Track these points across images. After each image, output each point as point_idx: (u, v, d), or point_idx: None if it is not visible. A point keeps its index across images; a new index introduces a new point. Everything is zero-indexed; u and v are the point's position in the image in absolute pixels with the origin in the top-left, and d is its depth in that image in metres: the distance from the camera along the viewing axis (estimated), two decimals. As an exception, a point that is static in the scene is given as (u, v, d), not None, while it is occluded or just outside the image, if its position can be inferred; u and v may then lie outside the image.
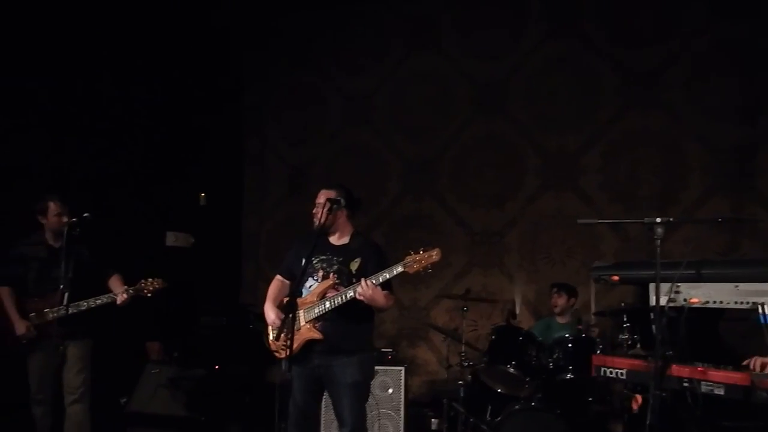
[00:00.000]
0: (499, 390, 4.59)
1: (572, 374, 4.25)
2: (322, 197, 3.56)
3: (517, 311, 5.77)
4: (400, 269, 3.30)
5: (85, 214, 3.96)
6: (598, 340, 4.26)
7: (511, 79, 6.14)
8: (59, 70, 5.23)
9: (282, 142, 7.01)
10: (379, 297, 3.32)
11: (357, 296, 3.30)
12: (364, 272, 3.42)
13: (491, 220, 6.08)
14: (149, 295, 4.19)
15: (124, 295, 4.15)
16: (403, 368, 4.98)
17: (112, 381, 5.12)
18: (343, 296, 3.38)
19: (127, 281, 4.39)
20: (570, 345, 4.34)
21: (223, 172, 6.86)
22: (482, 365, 4.63)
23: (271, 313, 3.58)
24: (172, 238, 6.44)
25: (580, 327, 4.57)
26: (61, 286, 3.81)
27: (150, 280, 4.20)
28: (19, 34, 4.98)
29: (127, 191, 5.82)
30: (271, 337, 3.63)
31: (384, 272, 3.32)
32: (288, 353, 3.16)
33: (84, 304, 4.10)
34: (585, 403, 4.34)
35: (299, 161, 6.89)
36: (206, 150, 6.70)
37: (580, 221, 3.26)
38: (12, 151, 4.89)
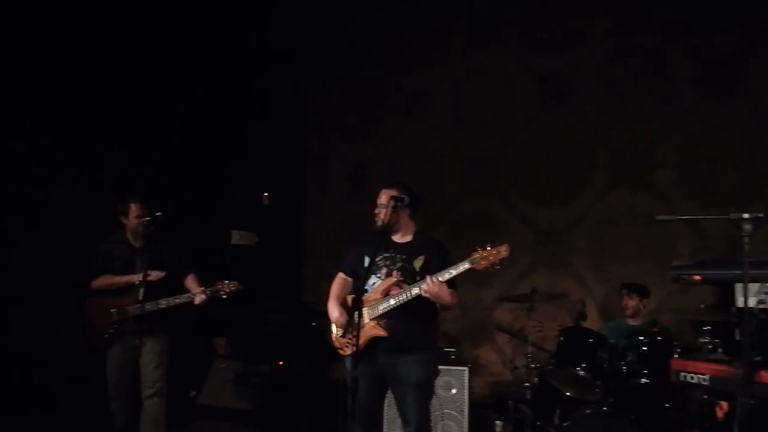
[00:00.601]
0: (567, 393, 4.45)
1: (647, 378, 4.06)
2: (383, 196, 3.54)
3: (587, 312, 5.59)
4: (466, 266, 3.25)
5: (158, 213, 4.09)
6: (675, 343, 4.04)
7: (576, 71, 5.95)
8: (128, 78, 5.38)
9: (343, 141, 7.04)
10: (445, 294, 3.27)
11: (422, 293, 3.27)
12: (428, 270, 3.39)
13: (557, 218, 5.93)
14: (224, 296, 4.28)
15: (203, 296, 4.26)
16: (466, 368, 4.94)
17: (183, 375, 5.23)
18: (408, 293, 3.36)
19: (200, 279, 4.49)
20: (645, 348, 4.15)
21: (285, 172, 6.94)
22: (550, 367, 4.52)
23: (334, 311, 3.59)
24: (237, 237, 6.54)
25: (656, 329, 4.36)
26: (137, 282, 3.89)
27: (226, 282, 4.29)
28: (84, 42, 5.13)
29: (195, 192, 5.93)
30: (334, 334, 3.64)
31: (450, 269, 3.29)
32: (354, 350, 3.11)
33: (163, 303, 4.23)
34: (661, 410, 4.13)
35: (359, 160, 6.90)
36: (269, 150, 6.77)
37: (658, 217, 3.10)
38: (87, 157, 5.06)
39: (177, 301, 4.26)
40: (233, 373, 5.42)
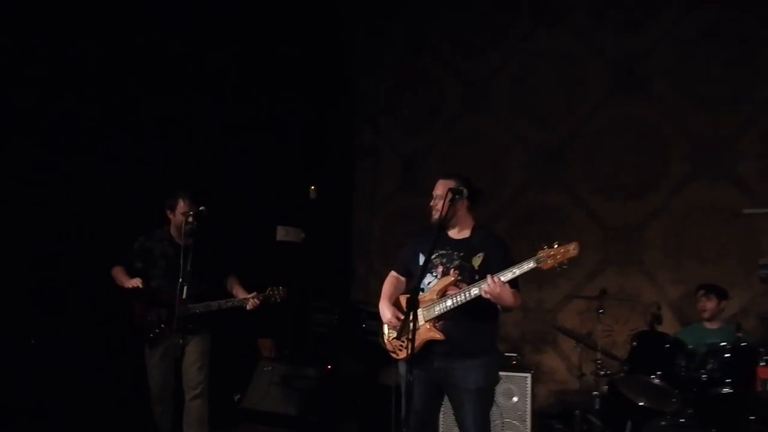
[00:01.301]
0: (641, 403, 4.37)
1: (730, 388, 3.95)
2: (440, 188, 3.52)
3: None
4: (532, 265, 3.20)
5: (201, 208, 4.16)
6: (761, 350, 3.92)
7: (652, 53, 5.81)
8: (175, 67, 5.52)
9: (395, 131, 7.05)
10: (507, 295, 3.24)
11: (482, 294, 3.23)
12: (488, 268, 3.35)
13: (629, 213, 5.80)
14: (276, 302, 4.38)
15: (256, 301, 4.37)
16: (529, 375, 4.91)
17: (226, 377, 5.35)
18: (467, 294, 3.33)
19: (240, 278, 4.59)
20: (727, 354, 4.04)
21: (333, 164, 6.99)
22: (621, 375, 4.45)
23: (386, 312, 3.59)
24: (282, 233, 6.63)
25: (739, 334, 4.24)
26: (180, 280, 4.01)
27: (278, 288, 4.39)
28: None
29: (238, 185, 6.04)
30: (386, 337, 3.64)
31: (513, 268, 3.24)
32: (408, 354, 3.12)
33: (214, 305, 4.35)
34: (745, 422, 4.02)
35: (413, 151, 6.90)
36: (317, 142, 6.84)
37: (746, 211, 3.02)
38: (127, 149, 5.23)
39: (228, 304, 4.37)
40: (279, 377, 5.51)
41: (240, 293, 4.47)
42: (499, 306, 3.36)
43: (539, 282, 5.92)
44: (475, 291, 3.29)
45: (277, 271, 4.51)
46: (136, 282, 4.36)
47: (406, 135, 6.97)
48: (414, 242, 3.68)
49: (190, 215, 4.20)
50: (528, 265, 3.21)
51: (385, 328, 3.65)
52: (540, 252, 3.19)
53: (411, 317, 3.18)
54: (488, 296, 3.23)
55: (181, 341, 4.19)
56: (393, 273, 3.78)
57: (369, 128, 7.20)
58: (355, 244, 7.19)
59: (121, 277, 4.44)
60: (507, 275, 3.24)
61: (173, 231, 4.49)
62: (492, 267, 3.34)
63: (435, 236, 3.33)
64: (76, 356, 4.80)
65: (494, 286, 3.20)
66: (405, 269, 3.73)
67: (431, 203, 3.57)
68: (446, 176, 3.57)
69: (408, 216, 6.70)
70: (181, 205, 4.42)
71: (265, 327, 6.08)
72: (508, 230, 5.98)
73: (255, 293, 4.38)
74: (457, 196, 3.44)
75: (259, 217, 6.24)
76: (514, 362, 5.18)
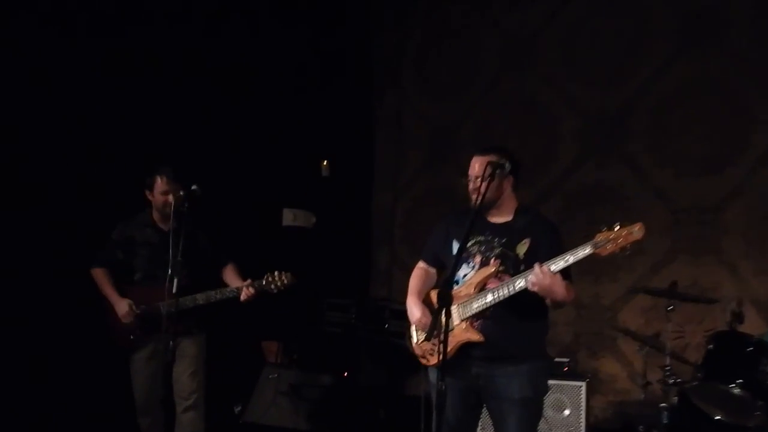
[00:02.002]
0: (717, 417, 4.34)
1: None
2: (477, 164, 3.50)
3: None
4: (588, 251, 3.17)
5: (193, 187, 4.15)
6: None
7: (731, 2, 5.72)
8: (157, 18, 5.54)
9: (423, 97, 7.02)
10: (559, 288, 3.21)
11: (529, 287, 3.22)
12: (535, 256, 3.33)
13: (704, 192, 5.75)
14: (275, 291, 4.37)
15: (250, 290, 4.35)
16: (583, 384, 4.91)
17: (225, 386, 5.41)
18: (511, 287, 3.31)
19: (240, 267, 4.61)
20: (823, 360, 4.00)
21: (350, 134, 7.00)
22: (694, 383, 4.45)
23: (414, 309, 3.60)
24: (289, 217, 6.66)
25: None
26: (170, 272, 4.03)
27: (277, 274, 4.37)
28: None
29: (237, 159, 6.06)
30: (415, 339, 3.64)
31: (566, 255, 3.21)
32: (440, 359, 3.12)
33: (201, 298, 4.36)
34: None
35: (444, 120, 6.88)
36: (329, 109, 6.84)
37: None
38: (111, 111, 5.26)
39: (218, 296, 4.37)
40: (286, 385, 5.56)
41: (234, 282, 4.48)
42: (548, 301, 3.35)
43: (596, 274, 5.90)
44: (520, 283, 3.28)
45: (283, 262, 4.50)
46: (126, 314, 4.39)
47: (435, 100, 6.95)
48: (446, 227, 3.67)
49: (180, 196, 4.20)
50: (584, 251, 3.18)
51: (413, 328, 3.66)
52: (598, 235, 3.16)
53: (443, 315, 3.17)
54: (536, 289, 3.21)
55: (170, 344, 4.21)
56: (421, 264, 3.79)
57: (391, 93, 7.17)
58: (375, 230, 7.21)
59: (107, 289, 4.48)
60: (558, 263, 3.21)
61: (155, 214, 4.52)
62: (540, 255, 3.32)
63: (471, 220, 3.30)
64: (49, 365, 4.88)
65: (543, 276, 3.18)
66: (436, 259, 3.73)
67: (470, 186, 3.54)
68: (484, 151, 3.54)
69: (438, 196, 6.69)
70: (159, 184, 4.42)
71: (271, 327, 6.13)
72: (557, 213, 5.95)
73: (249, 280, 4.37)
74: (498, 172, 3.41)
75: (261, 197, 6.26)
76: (566, 369, 5.18)
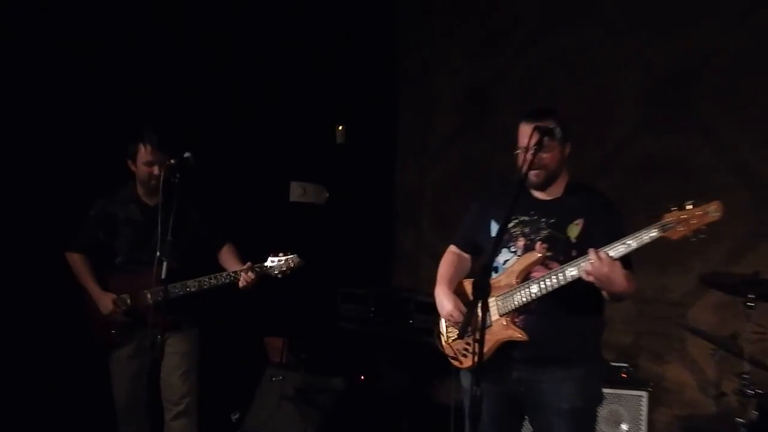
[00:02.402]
0: (805, 436, 4.30)
1: None
2: (525, 132, 3.45)
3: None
4: (655, 234, 3.15)
5: (186, 155, 4.13)
6: None
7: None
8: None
9: (456, 51, 7.00)
10: (619, 278, 3.20)
11: (584, 276, 3.21)
12: (590, 240, 3.34)
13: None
14: (279, 276, 4.37)
15: (250, 275, 4.35)
16: (644, 393, 4.91)
17: (220, 389, 5.42)
18: (560, 276, 3.31)
19: (239, 248, 4.61)
20: None
21: (370, 95, 6.97)
22: (779, 395, 4.42)
23: (445, 302, 3.61)
24: (298, 192, 6.67)
25: None
26: (158, 254, 4.00)
27: (282, 256, 4.38)
28: None
29: (236, 124, 6.06)
30: (445, 337, 3.66)
31: (629, 239, 3.19)
32: (475, 361, 3.11)
33: (193, 285, 4.36)
34: None
35: (481, 78, 6.85)
36: (346, 65, 6.82)
37: None
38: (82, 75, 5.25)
39: (213, 282, 4.37)
40: (292, 389, 5.56)
41: (231, 265, 4.48)
42: (605, 294, 3.35)
43: (662, 262, 5.82)
44: (572, 272, 3.28)
45: (290, 244, 4.50)
46: (112, 312, 4.39)
47: (470, 55, 6.92)
48: (484, 205, 3.69)
49: (171, 163, 4.17)
50: (649, 235, 3.16)
51: (443, 324, 3.67)
52: (666, 216, 3.15)
53: (480, 309, 3.15)
54: (591, 279, 3.20)
55: (158, 340, 4.19)
56: (453, 248, 3.81)
57: (419, 48, 7.16)
58: (399, 208, 7.21)
59: (86, 280, 4.48)
60: (619, 249, 3.20)
61: (139, 188, 4.52)
62: (595, 238, 3.32)
63: (515, 195, 3.29)
64: (15, 365, 4.90)
65: (600, 264, 3.16)
66: (470, 243, 3.76)
67: (519, 158, 3.50)
68: (531, 115, 3.52)
69: (473, 168, 6.66)
70: (142, 153, 4.41)
71: (275, 321, 6.14)
72: (616, 189, 5.84)
73: (249, 264, 4.37)
74: (545, 138, 3.39)
75: (264, 168, 6.26)
76: (624, 375, 5.18)
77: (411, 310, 5.75)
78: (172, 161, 4.13)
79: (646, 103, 6.15)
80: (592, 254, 3.18)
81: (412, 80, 7.23)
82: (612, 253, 3.18)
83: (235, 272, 4.36)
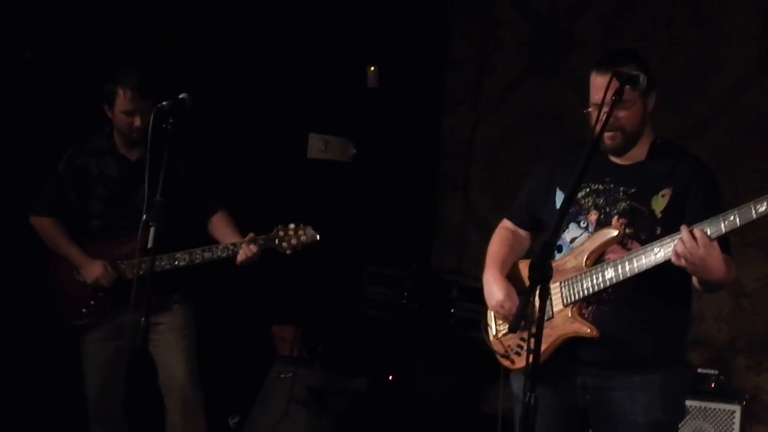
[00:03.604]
0: None
1: None
2: (599, 84, 3.43)
3: None
4: (764, 208, 3.10)
5: (182, 95, 4.18)
6: None
7: None
8: None
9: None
10: (716, 262, 3.18)
11: (673, 259, 3.20)
12: (679, 215, 3.34)
13: None
14: (289, 252, 4.44)
15: (252, 248, 4.42)
16: (737, 408, 4.99)
17: (216, 387, 5.48)
18: (643, 259, 3.30)
19: (243, 224, 4.66)
20: None
21: (410, 28, 6.95)
22: None
23: (495, 289, 3.63)
24: (318, 146, 6.69)
25: None
26: (144, 218, 4.01)
27: (293, 227, 4.44)
28: None
29: (241, 60, 6.10)
30: (494, 331, 3.69)
31: (730, 214, 3.16)
32: (529, 360, 3.14)
33: (183, 257, 4.45)
34: None
35: (554, 11, 6.83)
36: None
37: None
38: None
39: (207, 255, 4.47)
40: (304, 389, 5.63)
41: (227, 236, 4.55)
42: (695, 282, 3.35)
43: (764, 246, 5.85)
44: (659, 253, 3.27)
45: (306, 212, 4.54)
46: (101, 275, 4.47)
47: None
48: (548, 168, 3.70)
49: (162, 106, 4.22)
50: (758, 209, 3.12)
51: (491, 315, 3.71)
52: None
53: (537, 296, 3.18)
54: (682, 263, 3.19)
55: (141, 323, 4.24)
56: (508, 223, 3.83)
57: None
58: (444, 169, 7.21)
59: (64, 245, 4.57)
60: (718, 226, 3.18)
61: (117, 138, 4.59)
62: (686, 213, 3.33)
63: (585, 159, 3.24)
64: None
65: (695, 245, 3.14)
66: (530, 216, 3.77)
67: (590, 116, 3.50)
68: (606, 61, 3.48)
69: (541, 122, 6.66)
70: (121, 99, 4.45)
71: (286, 307, 6.20)
72: (717, 153, 5.88)
73: (251, 235, 4.44)
74: (627, 87, 3.39)
75: (276, 116, 6.30)
76: (713, 384, 5.20)
77: (454, 297, 5.78)
78: (164, 104, 4.19)
79: (761, 46, 6.12)
80: (684, 232, 3.15)
81: (467, 7, 7.21)
82: (710, 232, 3.16)
83: (234, 244, 4.44)
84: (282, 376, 5.72)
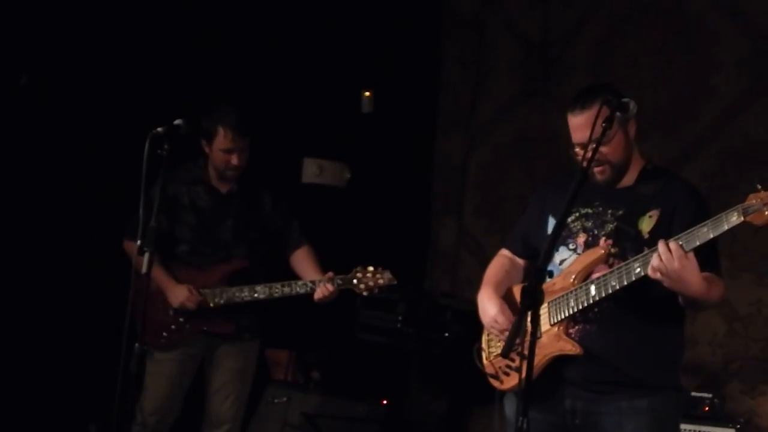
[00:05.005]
0: None
1: None
2: (578, 124, 3.49)
3: None
4: (734, 219, 3.09)
5: (177, 121, 4.24)
6: None
7: None
8: None
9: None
10: (693, 277, 3.18)
11: (650, 273, 3.20)
12: (667, 235, 3.33)
13: None
14: (366, 293, 4.64)
15: (329, 287, 4.55)
16: (732, 431, 4.92)
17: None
18: (623, 275, 3.31)
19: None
20: None
21: (405, 50, 6.98)
22: None
23: (489, 306, 3.65)
24: (313, 170, 6.71)
25: None
26: (138, 243, 4.06)
27: (372, 270, 4.61)
28: None
29: (241, 85, 6.14)
30: (486, 353, 3.71)
31: (702, 226, 3.17)
32: (521, 380, 3.15)
33: (262, 291, 4.59)
34: None
35: (546, 34, 6.85)
36: (376, 14, 6.82)
37: None
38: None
39: (286, 290, 4.60)
40: (298, 414, 5.63)
41: (307, 272, 4.69)
42: (681, 300, 3.35)
43: (759, 270, 5.80)
44: (638, 269, 3.28)
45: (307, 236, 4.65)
46: (188, 299, 4.58)
47: (534, 3, 6.91)
48: (541, 197, 3.73)
49: (158, 132, 4.25)
50: (728, 219, 3.11)
51: (485, 339, 3.73)
52: (750, 198, 3.09)
53: (529, 318, 3.19)
54: (658, 277, 3.19)
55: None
56: (505, 252, 3.88)
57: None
58: (437, 193, 7.22)
59: (155, 270, 4.64)
60: (693, 238, 3.18)
61: (211, 170, 4.72)
62: (674, 233, 3.32)
63: (574, 189, 3.25)
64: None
65: (669, 257, 3.15)
66: (526, 245, 3.81)
67: (576, 155, 3.53)
68: (578, 101, 3.51)
69: (532, 145, 6.65)
70: (222, 138, 4.57)
71: (280, 330, 6.20)
72: (708, 178, 5.91)
73: (330, 274, 4.58)
74: (618, 114, 3.40)
75: (272, 141, 6.30)
76: (706, 408, 5.17)
77: (448, 320, 5.76)
78: (159, 129, 4.25)
79: (751, 72, 6.11)
80: (661, 245, 3.16)
81: (460, 34, 7.22)
82: (684, 244, 3.17)
83: (313, 282, 4.56)
84: (276, 400, 5.73)
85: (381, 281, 4.58)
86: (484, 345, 3.74)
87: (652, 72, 6.20)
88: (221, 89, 5.97)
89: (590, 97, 3.48)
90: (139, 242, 4.04)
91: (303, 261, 4.79)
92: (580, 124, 3.47)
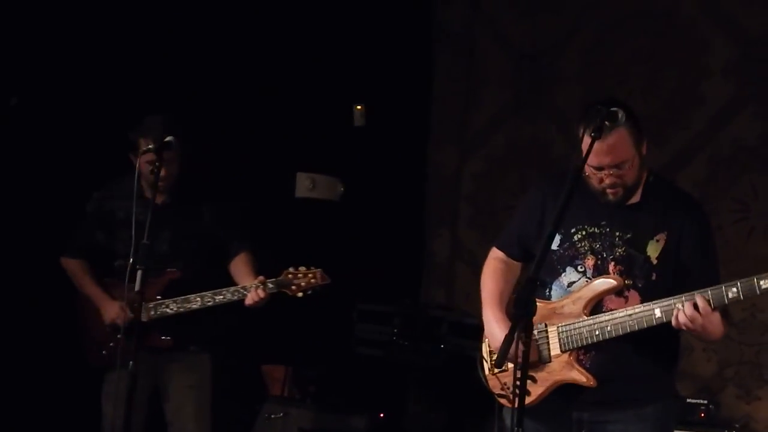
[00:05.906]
0: None
1: None
2: (602, 150, 3.35)
3: None
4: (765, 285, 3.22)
5: (168, 138, 4.24)
6: None
7: None
8: None
9: (505, 11, 6.99)
10: (715, 328, 3.29)
11: (673, 324, 3.27)
12: (674, 261, 3.39)
13: None
14: (299, 295, 4.48)
15: (260, 293, 4.43)
16: None
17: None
18: (643, 320, 3.34)
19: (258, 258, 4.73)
20: None
21: (397, 63, 6.96)
22: None
23: (497, 329, 3.61)
24: (306, 185, 6.69)
25: None
26: (131, 261, 4.08)
27: (303, 270, 4.47)
28: None
29: (233, 100, 6.13)
30: (488, 368, 3.69)
31: (732, 286, 3.25)
32: (517, 397, 3.10)
33: (195, 301, 4.49)
34: None
35: (537, 45, 6.85)
36: (367, 29, 6.82)
37: None
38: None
39: (218, 298, 4.49)
40: (296, 429, 5.61)
41: (242, 278, 4.58)
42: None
43: (750, 275, 5.78)
44: (660, 317, 3.31)
45: (296, 251, 4.57)
46: (116, 318, 4.52)
47: (524, 16, 6.92)
48: (542, 198, 3.65)
49: (149, 149, 4.27)
50: (762, 285, 3.24)
51: (484, 347, 3.71)
52: None
53: (536, 335, 3.18)
54: (682, 328, 3.27)
55: (130, 365, 4.19)
56: (498, 254, 3.79)
57: (458, 4, 7.16)
58: (431, 205, 7.21)
59: (87, 286, 4.67)
60: (722, 299, 3.25)
61: (144, 184, 4.62)
62: (681, 259, 3.37)
63: (570, 184, 3.20)
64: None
65: (696, 315, 3.21)
66: (521, 246, 3.74)
67: (591, 179, 3.46)
68: (612, 119, 3.32)
69: (524, 157, 6.65)
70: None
71: (276, 345, 6.19)
72: (699, 186, 5.94)
73: (261, 278, 4.46)
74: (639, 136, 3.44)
75: (266, 156, 6.31)
76: (702, 414, 5.19)
77: (444, 332, 5.75)
78: (150, 146, 4.25)
79: (740, 78, 6.12)
80: (688, 306, 3.22)
81: (451, 46, 7.21)
82: (712, 303, 3.23)
83: (245, 287, 4.46)
84: (273, 416, 5.70)
85: (314, 281, 4.44)
86: (484, 355, 3.71)
87: (641, 80, 6.21)
88: (211, 103, 5.98)
89: (614, 119, 3.31)
90: (131, 260, 4.04)
91: (239, 267, 4.66)
92: (604, 149, 3.35)
